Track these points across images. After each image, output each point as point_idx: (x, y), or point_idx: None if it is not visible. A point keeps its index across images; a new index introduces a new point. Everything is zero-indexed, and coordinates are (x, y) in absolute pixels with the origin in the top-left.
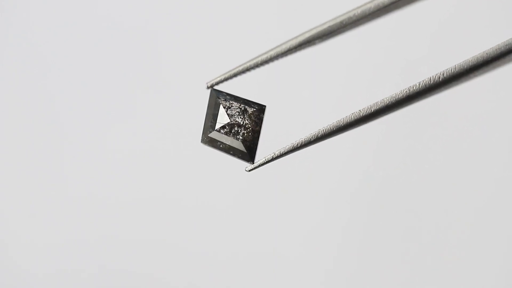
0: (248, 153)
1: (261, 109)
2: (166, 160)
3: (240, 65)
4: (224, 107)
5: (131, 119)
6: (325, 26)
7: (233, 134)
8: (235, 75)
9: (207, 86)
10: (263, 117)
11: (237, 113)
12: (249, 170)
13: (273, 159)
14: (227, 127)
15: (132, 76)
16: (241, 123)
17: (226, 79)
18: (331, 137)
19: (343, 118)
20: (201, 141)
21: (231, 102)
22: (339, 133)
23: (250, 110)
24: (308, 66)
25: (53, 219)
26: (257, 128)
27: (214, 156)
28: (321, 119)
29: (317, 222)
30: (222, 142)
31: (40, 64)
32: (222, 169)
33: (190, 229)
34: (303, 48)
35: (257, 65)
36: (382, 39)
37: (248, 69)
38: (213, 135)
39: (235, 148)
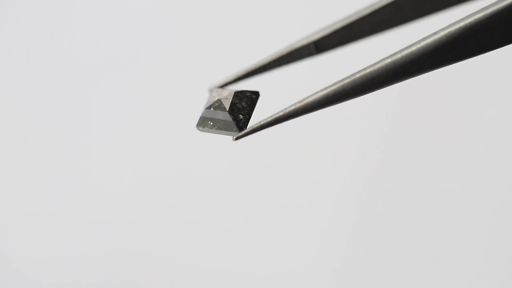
0: (235, 124)
1: (254, 92)
2: (165, 164)
3: (242, 69)
4: (216, 91)
5: (128, 123)
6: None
7: (222, 108)
8: (238, 79)
9: (209, 90)
10: (255, 100)
11: (228, 93)
12: (236, 139)
13: (262, 127)
14: (216, 103)
15: (133, 77)
16: (231, 100)
17: (228, 83)
18: (325, 107)
19: (339, 82)
20: (196, 125)
21: (224, 88)
22: (335, 103)
23: (242, 91)
24: (313, 68)
25: (54, 228)
26: (247, 108)
27: (214, 159)
28: (323, 117)
29: (319, 223)
30: (212, 119)
31: (44, 63)
32: (222, 172)
33: (191, 236)
34: (303, 58)
35: (260, 70)
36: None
37: (251, 74)
38: (205, 113)
39: (223, 120)
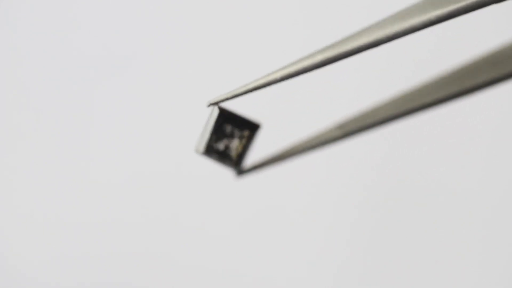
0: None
1: (255, 127)
2: (165, 166)
3: (244, 85)
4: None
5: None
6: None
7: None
8: (239, 95)
9: (208, 104)
10: (256, 135)
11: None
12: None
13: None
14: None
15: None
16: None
17: (228, 98)
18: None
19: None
20: (196, 150)
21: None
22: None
23: (244, 133)
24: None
25: (53, 228)
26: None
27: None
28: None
29: (320, 225)
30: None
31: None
32: (223, 174)
33: (189, 238)
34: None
35: (263, 86)
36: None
37: (253, 90)
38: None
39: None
